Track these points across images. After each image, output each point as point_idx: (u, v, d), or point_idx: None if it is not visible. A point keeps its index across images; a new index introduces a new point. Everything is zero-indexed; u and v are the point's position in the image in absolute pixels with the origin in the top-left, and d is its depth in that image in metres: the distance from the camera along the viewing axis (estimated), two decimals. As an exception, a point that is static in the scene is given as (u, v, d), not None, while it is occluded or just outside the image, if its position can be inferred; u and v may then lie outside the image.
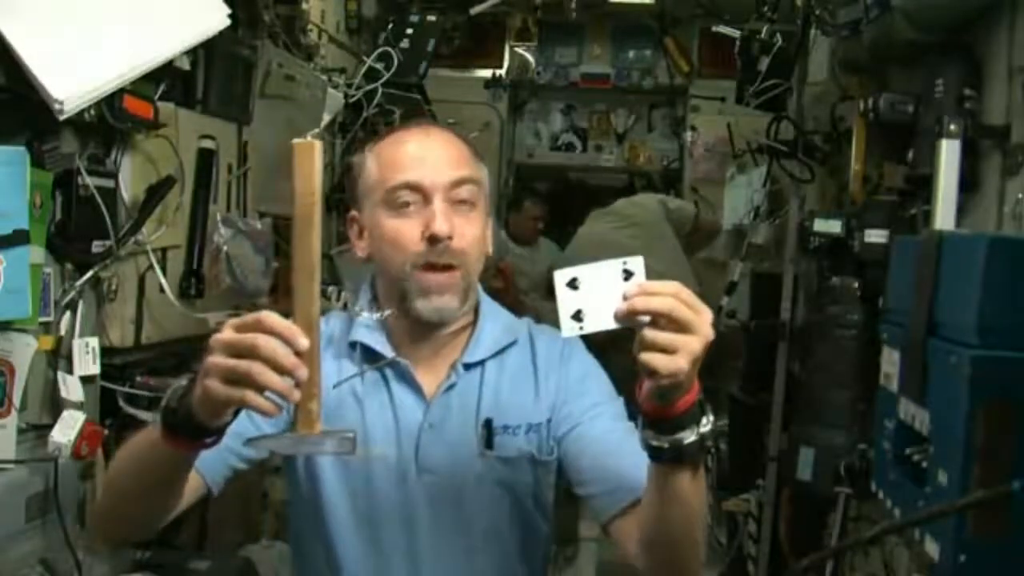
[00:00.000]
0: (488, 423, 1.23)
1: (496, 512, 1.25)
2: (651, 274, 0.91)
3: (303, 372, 0.89)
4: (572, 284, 0.92)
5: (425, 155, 1.21)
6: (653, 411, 0.95)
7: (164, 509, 1.13)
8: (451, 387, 1.25)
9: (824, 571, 1.98)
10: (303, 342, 0.88)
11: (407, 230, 1.18)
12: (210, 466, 1.16)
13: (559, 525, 1.44)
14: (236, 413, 0.98)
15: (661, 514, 1.04)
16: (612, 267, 0.92)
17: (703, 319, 0.89)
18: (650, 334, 0.88)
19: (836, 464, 1.90)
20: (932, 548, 0.93)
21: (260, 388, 0.88)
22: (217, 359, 0.89)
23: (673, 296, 0.88)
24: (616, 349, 1.13)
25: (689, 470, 0.98)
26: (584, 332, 0.92)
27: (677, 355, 0.88)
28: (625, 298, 0.89)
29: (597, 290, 0.92)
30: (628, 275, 0.92)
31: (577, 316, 0.92)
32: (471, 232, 1.20)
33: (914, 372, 1.01)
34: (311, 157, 0.91)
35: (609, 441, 1.18)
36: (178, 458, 1.03)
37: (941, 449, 0.95)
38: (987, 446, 0.87)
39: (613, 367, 1.30)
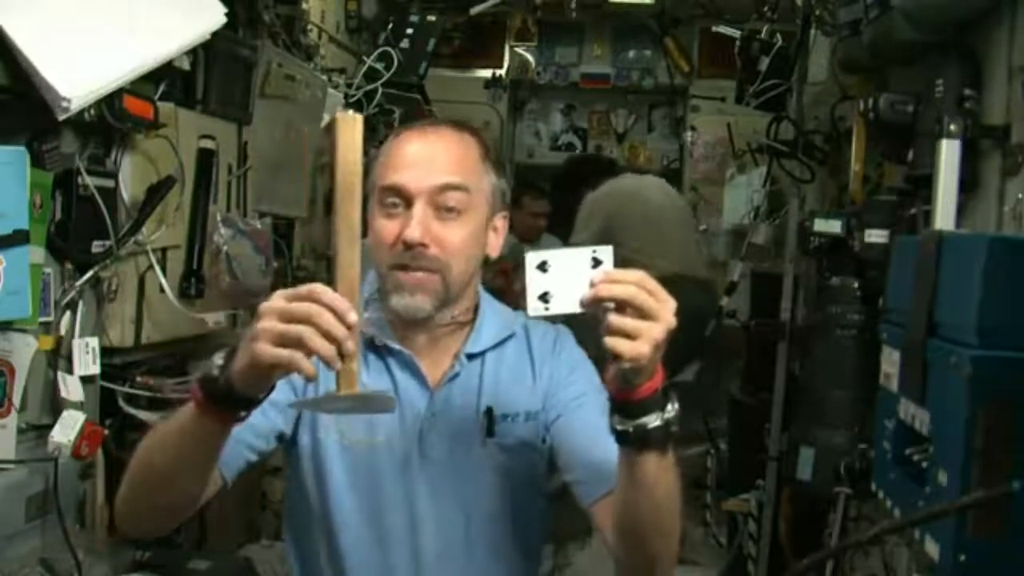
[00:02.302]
0: (489, 411, 1.27)
1: (496, 498, 1.27)
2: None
3: (351, 344, 0.93)
4: (542, 267, 0.97)
5: (417, 158, 1.22)
6: (618, 395, 1.00)
7: (193, 494, 1.14)
8: (454, 376, 1.28)
9: (824, 571, 1.98)
10: (353, 317, 0.93)
11: (388, 231, 1.21)
12: (226, 459, 1.18)
13: (561, 523, 1.45)
14: (270, 390, 1.01)
15: (629, 500, 1.07)
16: (582, 254, 0.97)
17: (666, 307, 0.94)
18: (615, 320, 0.93)
19: (836, 464, 1.89)
20: (932, 548, 0.93)
21: (308, 353, 0.92)
22: (269, 323, 0.93)
23: (636, 284, 0.93)
24: None
25: (655, 455, 1.02)
26: (549, 313, 0.97)
27: (639, 341, 0.92)
28: (591, 284, 0.94)
29: (565, 274, 0.96)
30: (596, 263, 0.97)
31: (544, 298, 0.97)
32: (453, 239, 1.21)
33: (914, 372, 1.01)
34: (353, 130, 0.98)
35: (592, 429, 1.21)
36: (215, 432, 1.05)
37: (941, 449, 0.95)
38: (987, 446, 0.87)
39: None
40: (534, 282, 0.97)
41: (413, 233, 1.18)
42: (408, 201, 1.20)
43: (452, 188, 1.21)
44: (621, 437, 1.01)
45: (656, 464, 1.02)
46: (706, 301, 3.38)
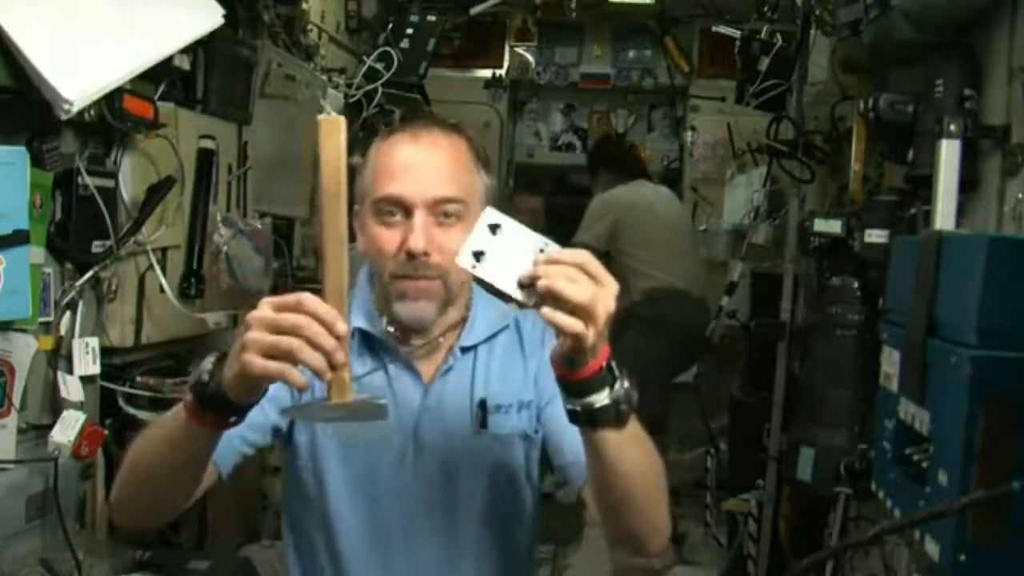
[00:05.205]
0: (483, 403, 1.28)
1: (490, 488, 1.28)
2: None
3: (341, 355, 0.92)
4: (493, 228, 0.95)
5: (413, 166, 1.21)
6: (562, 375, 1.00)
7: (186, 492, 1.16)
8: (448, 370, 1.29)
9: (824, 571, 1.98)
10: (342, 327, 0.92)
11: (388, 240, 1.21)
12: (221, 453, 1.18)
13: (557, 525, 1.45)
14: (261, 395, 1.00)
15: (597, 478, 1.09)
16: (535, 238, 0.95)
17: (607, 290, 0.92)
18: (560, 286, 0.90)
19: (836, 464, 1.90)
20: (932, 548, 0.93)
21: (296, 364, 0.91)
22: (257, 335, 0.92)
23: (579, 267, 0.92)
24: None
25: (611, 432, 1.02)
26: (475, 272, 0.95)
27: (588, 326, 0.91)
28: (534, 264, 0.92)
29: (510, 247, 0.94)
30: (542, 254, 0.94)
31: (478, 256, 0.95)
32: (453, 245, 1.19)
33: (914, 372, 1.01)
34: (337, 132, 0.95)
35: None
36: (205, 436, 1.05)
37: (941, 449, 0.94)
38: (987, 446, 0.87)
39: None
40: (478, 237, 0.95)
41: (417, 244, 1.18)
42: (407, 211, 1.20)
43: (450, 201, 1.21)
44: (572, 416, 1.03)
45: (615, 440, 1.03)
46: (700, 318, 3.40)
